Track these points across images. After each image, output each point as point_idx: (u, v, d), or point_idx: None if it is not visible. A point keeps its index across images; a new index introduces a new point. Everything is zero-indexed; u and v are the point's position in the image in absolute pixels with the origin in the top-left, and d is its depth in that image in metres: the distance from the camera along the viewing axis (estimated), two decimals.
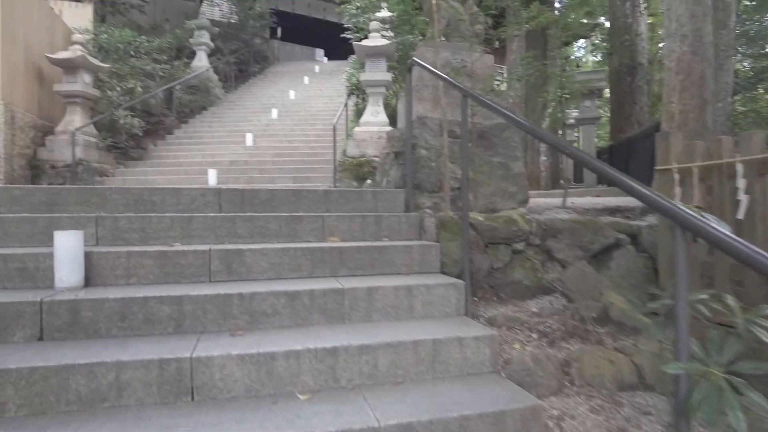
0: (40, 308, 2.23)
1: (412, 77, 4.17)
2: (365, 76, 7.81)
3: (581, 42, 24.69)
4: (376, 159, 7.57)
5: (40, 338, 2.24)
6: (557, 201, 6.69)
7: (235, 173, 8.39)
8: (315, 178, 7.99)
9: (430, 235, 3.45)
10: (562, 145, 2.29)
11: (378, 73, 7.81)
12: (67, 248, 2.49)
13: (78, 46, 8.41)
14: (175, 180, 8.11)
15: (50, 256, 2.52)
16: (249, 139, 9.80)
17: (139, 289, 2.50)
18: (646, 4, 13.68)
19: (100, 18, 14.24)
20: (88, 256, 2.60)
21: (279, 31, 20.55)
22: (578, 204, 5.60)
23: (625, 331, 3.02)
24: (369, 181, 7.55)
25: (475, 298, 3.32)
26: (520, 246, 3.71)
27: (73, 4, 11.27)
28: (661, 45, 17.98)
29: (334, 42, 24.43)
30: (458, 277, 3.24)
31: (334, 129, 7.54)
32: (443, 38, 4.76)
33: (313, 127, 10.82)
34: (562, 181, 8.56)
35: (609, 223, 4.02)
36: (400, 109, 5.30)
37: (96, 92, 8.69)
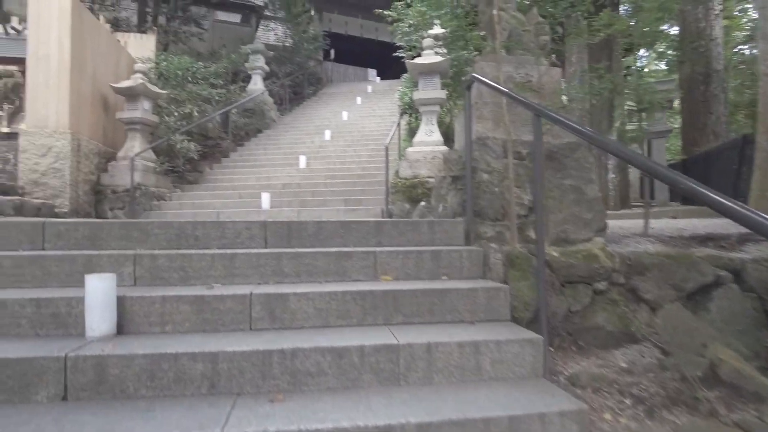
0: (64, 365, 2.02)
1: (471, 95, 3.80)
2: (418, 95, 7.52)
3: (642, 51, 23.47)
4: (430, 180, 7.22)
5: (64, 398, 2.02)
6: (632, 225, 6.06)
7: (288, 196, 8.28)
8: (367, 201, 7.73)
9: (496, 274, 3.04)
10: (655, 169, 1.88)
11: (432, 90, 7.50)
12: (99, 293, 2.29)
13: (139, 75, 8.65)
14: (229, 204, 8.10)
15: (83, 300, 2.33)
16: (302, 161, 9.73)
17: (173, 340, 2.25)
18: (721, 7, 12.69)
19: (163, 47, 14.88)
20: (121, 301, 2.39)
21: (332, 52, 20.80)
22: (659, 229, 4.99)
23: (741, 396, 2.46)
24: (423, 203, 7.19)
25: (550, 348, 2.86)
26: (601, 285, 3.22)
27: (138, 35, 11.78)
28: (737, 49, 16.57)
29: (386, 61, 24.56)
30: (530, 322, 2.82)
31: (386, 150, 7.27)
32: (504, 51, 4.39)
33: (365, 147, 10.64)
34: (643, 201, 7.84)
35: (704, 257, 3.43)
36: (457, 128, 4.94)
37: (155, 118, 8.90)
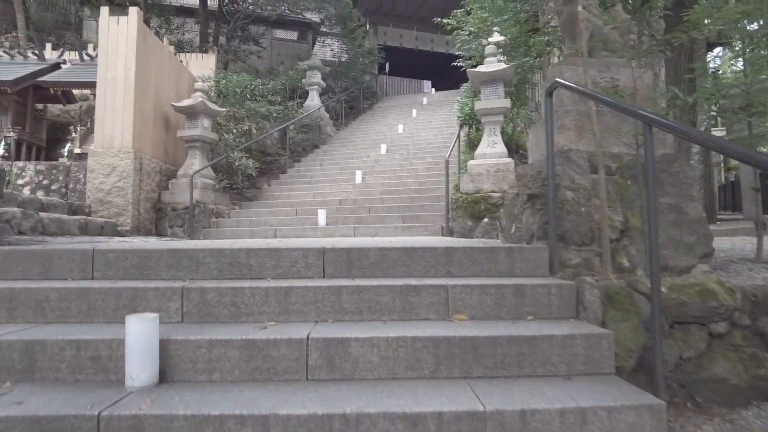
0: (97, 425, 1.76)
1: (551, 102, 3.36)
2: (481, 105, 7.09)
3: (718, 50, 21.74)
4: (494, 195, 6.75)
5: None
6: (731, 245, 5.32)
7: (344, 212, 8.04)
8: (425, 217, 7.34)
9: (593, 313, 2.56)
10: None
11: (495, 100, 7.05)
12: (139, 337, 2.04)
13: (199, 93, 8.75)
14: (286, 221, 7.96)
15: (123, 342, 2.09)
16: (358, 176, 9.50)
17: (220, 394, 1.96)
18: None
19: (223, 65, 15.28)
20: (164, 345, 2.13)
21: (387, 66, 20.71)
22: None
23: None
24: (486, 220, 6.73)
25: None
26: (721, 327, 2.67)
27: (199, 55, 12.07)
28: None
29: (441, 73, 24.28)
30: (633, 371, 2.34)
31: (447, 164, 6.88)
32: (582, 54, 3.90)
33: (422, 161, 10.29)
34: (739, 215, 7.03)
35: None
36: (531, 140, 4.47)
37: (214, 136, 8.96)
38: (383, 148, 11.29)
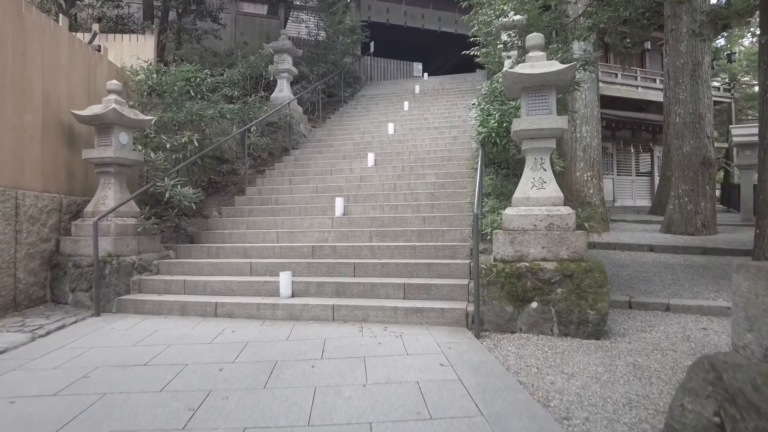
0: None
1: None
2: (523, 124, 4.67)
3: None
4: (547, 266, 4.41)
5: None
6: None
7: (318, 272, 5.64)
8: (439, 289, 4.97)
9: None
10: None
11: (545, 117, 4.64)
12: None
13: (113, 97, 6.17)
14: (235, 286, 5.53)
15: None
16: (338, 205, 7.06)
17: None
18: None
19: (174, 47, 12.50)
20: None
21: (372, 45, 18.00)
22: None
23: None
24: (534, 305, 4.41)
25: None
26: None
27: (132, 36, 9.32)
28: None
29: (434, 54, 21.64)
30: None
31: (476, 219, 4.47)
32: None
33: (422, 180, 7.87)
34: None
35: None
36: None
37: (136, 156, 6.41)
38: (370, 158, 8.82)
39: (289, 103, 10.81)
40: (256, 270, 5.85)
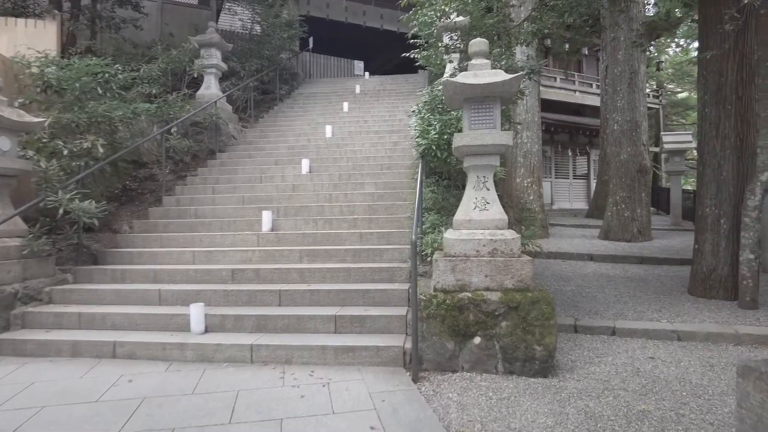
0: None
1: None
2: (465, 140, 4.21)
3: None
4: (491, 295, 3.99)
5: None
6: None
7: (238, 300, 4.96)
8: (374, 321, 4.45)
9: None
10: None
11: (488, 132, 4.21)
12: None
13: None
14: (139, 320, 4.76)
15: None
16: (266, 220, 6.38)
17: None
18: None
19: (89, 36, 11.24)
20: None
21: (311, 41, 17.22)
22: None
23: None
24: (478, 340, 3.98)
25: None
26: None
27: (30, 22, 8.15)
28: None
29: (376, 52, 21.06)
30: None
31: (414, 247, 3.97)
32: None
33: (360, 190, 7.33)
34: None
35: None
36: None
37: (21, 164, 5.45)
38: (305, 164, 8.17)
39: (216, 101, 9.92)
40: (165, 299, 5.08)
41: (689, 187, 19.30)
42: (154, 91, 8.33)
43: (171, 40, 11.96)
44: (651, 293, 6.44)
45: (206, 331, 4.55)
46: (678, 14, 9.04)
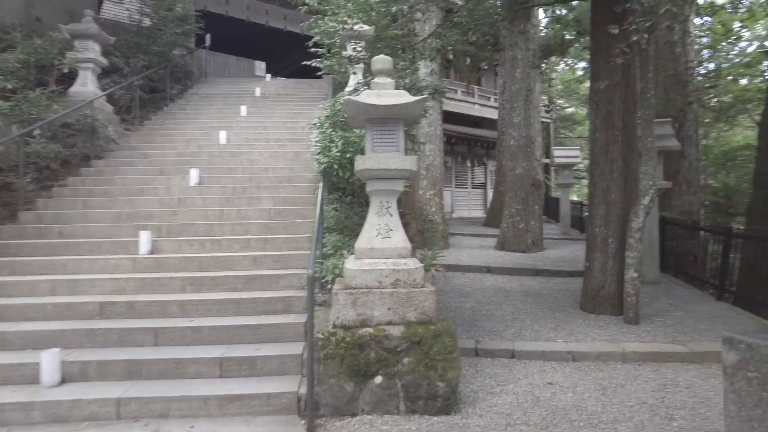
0: None
1: None
2: (368, 163, 3.92)
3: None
4: (394, 330, 3.75)
5: None
6: None
7: (105, 344, 4.25)
8: (265, 363, 4.01)
9: None
10: None
11: (392, 155, 3.96)
12: None
13: None
14: None
15: None
16: (144, 241, 5.63)
17: None
18: (696, 29, 10.86)
19: None
20: None
21: (208, 38, 16.10)
22: None
23: None
24: (379, 380, 3.71)
25: None
26: None
27: None
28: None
29: (279, 53, 20.26)
30: None
31: (311, 282, 3.60)
32: None
33: (256, 206, 6.80)
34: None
35: None
36: None
37: None
38: (194, 175, 7.43)
39: (93, 100, 8.77)
40: (11, 342, 4.22)
41: (575, 197, 20.82)
42: (9, 86, 7.10)
43: (38, 27, 10.44)
44: (546, 309, 6.62)
45: (63, 382, 3.82)
46: (569, 38, 9.59)
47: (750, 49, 16.65)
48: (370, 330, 3.76)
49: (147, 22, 13.57)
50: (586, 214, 13.06)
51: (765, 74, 13.73)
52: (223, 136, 9.29)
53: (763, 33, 16.08)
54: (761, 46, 15.64)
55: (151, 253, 5.59)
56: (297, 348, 4.12)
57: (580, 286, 6.85)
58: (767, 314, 6.10)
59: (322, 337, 3.72)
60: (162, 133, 9.93)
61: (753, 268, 6.45)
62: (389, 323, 3.83)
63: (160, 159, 8.44)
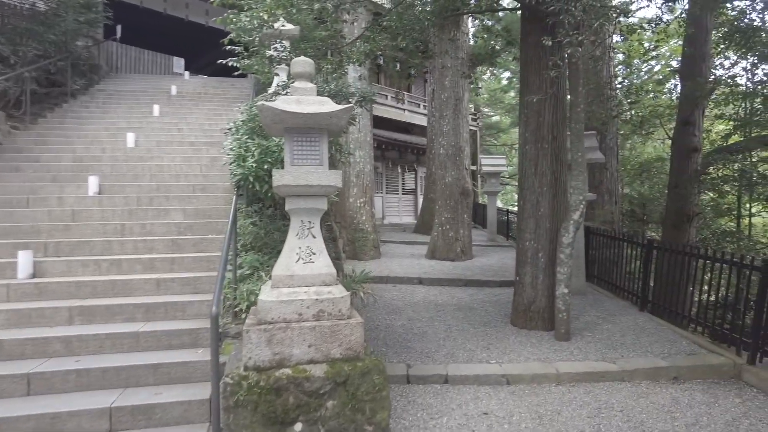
0: None
1: None
2: (287, 178, 3.44)
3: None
4: (316, 370, 3.31)
5: None
6: None
7: None
8: (166, 411, 3.42)
9: None
10: None
11: (314, 169, 3.52)
12: None
13: None
14: None
15: None
16: (24, 261, 4.77)
17: None
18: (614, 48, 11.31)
19: None
20: None
21: (119, 29, 14.74)
22: None
23: None
24: (298, 428, 3.25)
25: None
26: None
27: None
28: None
29: (200, 50, 19.06)
30: None
31: (215, 321, 3.08)
32: None
33: (164, 219, 6.08)
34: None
35: None
36: None
37: None
38: (93, 183, 6.56)
39: None
40: None
41: (500, 203, 21.30)
42: None
43: None
44: (478, 325, 6.44)
45: None
46: (498, 48, 9.61)
47: (656, 68, 17.90)
48: (289, 371, 3.29)
49: (41, 6, 12.11)
50: (514, 220, 13.40)
51: (671, 92, 14.72)
52: (131, 138, 8.38)
53: (668, 54, 17.28)
54: (668, 65, 16.82)
55: (33, 277, 4.75)
56: (205, 391, 3.56)
57: (510, 297, 6.75)
58: (682, 323, 6.31)
59: (231, 381, 3.20)
60: (59, 134, 8.81)
61: (668, 278, 6.65)
62: (311, 362, 3.38)
63: (53, 163, 7.41)
